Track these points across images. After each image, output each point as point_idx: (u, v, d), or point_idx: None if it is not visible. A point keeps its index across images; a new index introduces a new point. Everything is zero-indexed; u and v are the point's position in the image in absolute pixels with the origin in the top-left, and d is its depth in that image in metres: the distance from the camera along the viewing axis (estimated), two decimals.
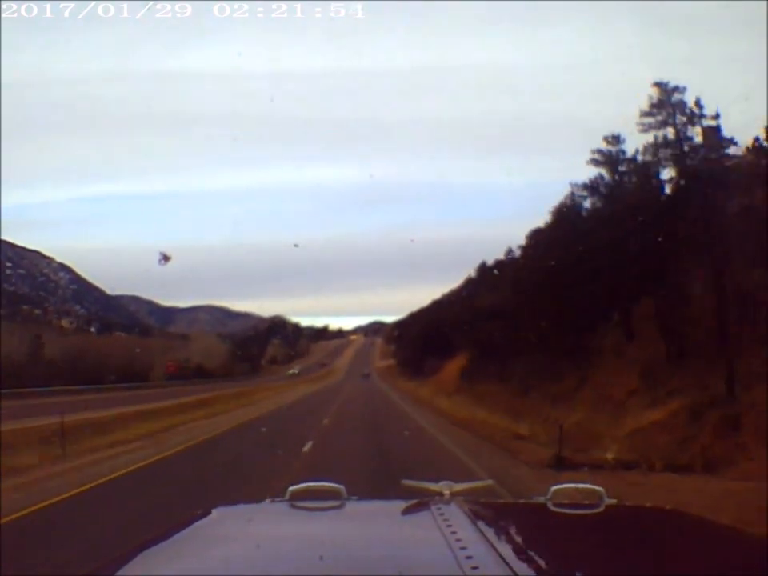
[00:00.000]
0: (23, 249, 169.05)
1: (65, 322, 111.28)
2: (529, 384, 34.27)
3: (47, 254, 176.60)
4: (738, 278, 22.66)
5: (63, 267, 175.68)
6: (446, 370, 59.27)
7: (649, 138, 28.05)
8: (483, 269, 55.69)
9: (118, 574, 1.50)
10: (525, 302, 34.09)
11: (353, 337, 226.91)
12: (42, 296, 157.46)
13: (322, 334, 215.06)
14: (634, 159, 30.70)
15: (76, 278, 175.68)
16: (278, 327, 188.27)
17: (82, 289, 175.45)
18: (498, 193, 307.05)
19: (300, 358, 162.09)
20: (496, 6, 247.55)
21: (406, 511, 1.96)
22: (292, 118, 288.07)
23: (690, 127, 26.92)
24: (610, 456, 15.90)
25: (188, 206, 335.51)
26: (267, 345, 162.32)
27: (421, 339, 76.84)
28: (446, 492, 2.12)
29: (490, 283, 47.29)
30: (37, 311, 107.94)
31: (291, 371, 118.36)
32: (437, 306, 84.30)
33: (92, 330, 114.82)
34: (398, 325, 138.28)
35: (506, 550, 1.46)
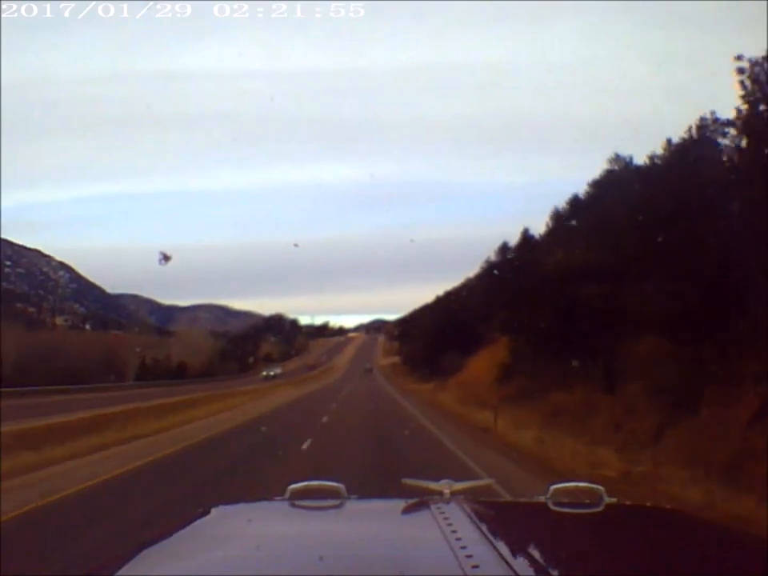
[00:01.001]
0: (22, 247, 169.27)
1: (59, 320, 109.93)
2: (686, 394, 16.33)
3: (47, 252, 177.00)
4: None
5: (63, 266, 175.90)
6: (472, 368, 47.15)
7: None
8: (526, 237, 40.29)
9: (117, 573, 1.50)
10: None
11: (351, 334, 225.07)
12: (41, 294, 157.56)
13: (322, 331, 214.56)
14: None
15: (76, 277, 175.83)
16: (276, 324, 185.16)
17: (82, 287, 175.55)
18: (498, 192, 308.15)
19: (297, 356, 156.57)
20: (496, 7, 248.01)
21: (406, 510, 1.96)
22: (292, 118, 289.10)
23: None
24: None
25: (188, 205, 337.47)
26: (261, 342, 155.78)
27: (434, 332, 64.82)
28: (446, 491, 2.12)
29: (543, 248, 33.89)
30: (31, 309, 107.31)
31: (265, 373, 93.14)
32: (449, 297, 73.81)
33: (87, 327, 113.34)
34: (402, 321, 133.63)
35: (507, 550, 1.46)
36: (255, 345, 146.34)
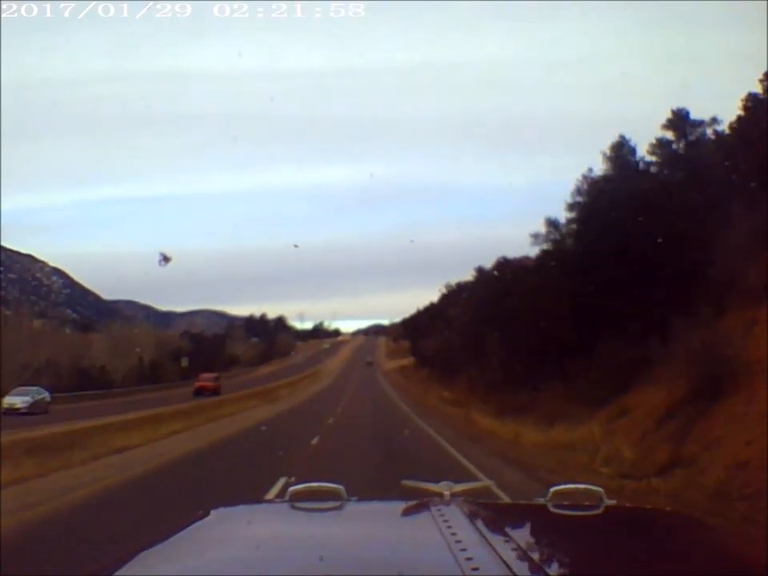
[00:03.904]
0: (15, 252, 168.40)
1: (37, 323, 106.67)
2: None
3: (40, 257, 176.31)
4: None
5: (56, 271, 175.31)
6: None
7: None
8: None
9: (117, 574, 1.50)
10: None
11: (341, 337, 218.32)
12: (33, 300, 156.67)
13: (316, 333, 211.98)
14: None
15: (70, 283, 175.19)
16: (257, 324, 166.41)
17: (76, 293, 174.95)
18: (499, 193, 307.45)
19: (278, 359, 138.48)
20: (495, 5, 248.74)
21: (406, 512, 1.96)
22: (292, 118, 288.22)
23: None
24: None
25: (186, 208, 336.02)
26: (232, 343, 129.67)
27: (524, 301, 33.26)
28: (446, 493, 2.12)
29: None
30: (7, 312, 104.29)
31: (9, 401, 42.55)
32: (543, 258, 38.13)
33: (67, 331, 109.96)
34: (409, 320, 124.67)
35: (506, 552, 1.45)
36: (225, 346, 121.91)
